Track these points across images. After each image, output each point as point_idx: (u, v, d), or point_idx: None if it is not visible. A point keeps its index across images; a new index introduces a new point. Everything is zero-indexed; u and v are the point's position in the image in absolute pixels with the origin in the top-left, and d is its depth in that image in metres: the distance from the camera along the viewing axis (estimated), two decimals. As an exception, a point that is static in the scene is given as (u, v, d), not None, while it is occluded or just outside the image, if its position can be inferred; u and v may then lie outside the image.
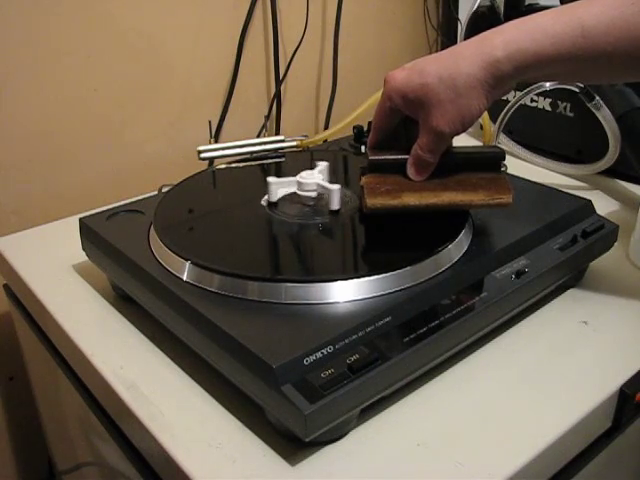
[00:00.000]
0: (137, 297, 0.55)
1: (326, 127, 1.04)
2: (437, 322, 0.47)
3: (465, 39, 0.52)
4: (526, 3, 0.96)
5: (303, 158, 0.74)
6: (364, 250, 0.55)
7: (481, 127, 0.86)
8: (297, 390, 0.40)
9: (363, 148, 0.78)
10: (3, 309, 0.82)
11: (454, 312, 0.48)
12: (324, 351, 0.42)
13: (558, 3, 0.85)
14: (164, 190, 0.66)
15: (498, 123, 0.80)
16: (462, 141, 0.94)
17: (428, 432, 0.45)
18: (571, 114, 0.85)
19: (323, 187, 0.59)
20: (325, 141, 0.82)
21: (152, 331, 0.55)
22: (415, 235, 0.57)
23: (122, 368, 0.51)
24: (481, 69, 0.48)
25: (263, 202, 0.61)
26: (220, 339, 0.45)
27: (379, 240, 0.56)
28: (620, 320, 0.56)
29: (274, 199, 0.60)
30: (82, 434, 0.68)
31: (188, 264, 0.51)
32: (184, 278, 0.51)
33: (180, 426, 0.46)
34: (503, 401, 0.47)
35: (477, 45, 0.49)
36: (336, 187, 0.58)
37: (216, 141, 0.94)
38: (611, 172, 0.83)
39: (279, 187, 0.60)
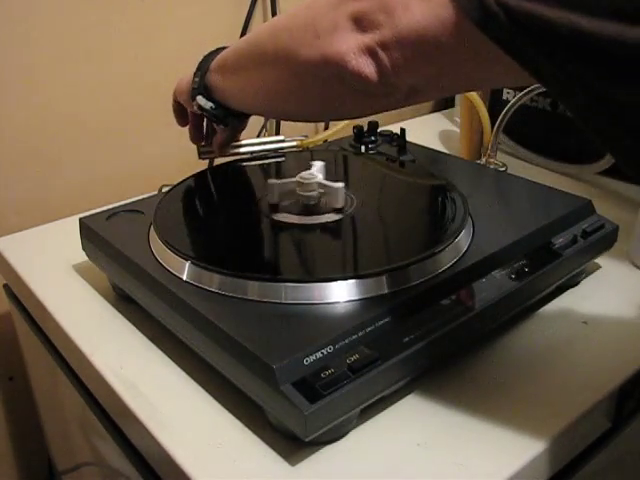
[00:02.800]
0: (137, 297, 0.55)
1: (326, 127, 1.04)
2: (437, 322, 0.47)
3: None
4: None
5: (303, 158, 0.74)
6: (364, 250, 0.55)
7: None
8: (297, 390, 0.40)
9: (363, 148, 0.78)
10: (3, 309, 0.82)
11: (454, 312, 0.48)
12: (324, 351, 0.42)
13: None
14: (164, 190, 0.66)
15: (498, 123, 0.80)
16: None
17: (428, 432, 0.45)
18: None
19: (325, 186, 0.59)
20: (325, 141, 0.82)
21: (152, 331, 0.55)
22: (415, 235, 0.57)
23: (122, 368, 0.51)
24: None
25: (264, 205, 0.61)
26: (220, 339, 0.45)
27: (379, 240, 0.56)
28: (620, 320, 0.56)
29: (275, 201, 0.60)
30: (82, 434, 0.68)
31: (188, 264, 0.51)
32: (184, 278, 0.50)
33: (180, 426, 0.46)
34: (503, 401, 0.47)
35: None
36: (340, 185, 0.58)
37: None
38: (611, 172, 0.83)
39: (280, 188, 0.60)
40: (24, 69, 0.77)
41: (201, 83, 0.56)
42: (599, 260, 0.62)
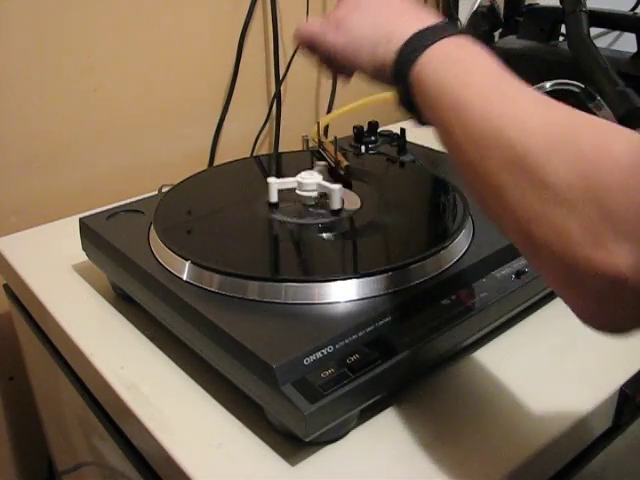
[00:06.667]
0: (137, 297, 0.55)
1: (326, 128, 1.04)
2: (437, 322, 0.47)
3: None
4: (526, 3, 0.96)
5: (303, 158, 0.74)
6: (364, 250, 0.55)
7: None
8: (297, 390, 0.40)
9: (363, 148, 0.78)
10: (3, 309, 0.82)
11: (454, 312, 0.48)
12: (324, 351, 0.42)
13: (557, 3, 0.85)
14: (164, 190, 0.66)
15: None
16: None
17: (428, 432, 0.45)
18: (571, 114, 0.85)
19: (324, 187, 0.59)
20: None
21: (152, 331, 0.55)
22: (415, 235, 0.57)
23: (122, 368, 0.51)
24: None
25: (264, 205, 0.60)
26: (220, 339, 0.45)
27: (379, 240, 0.56)
28: (620, 320, 0.56)
29: (274, 200, 0.59)
30: (82, 434, 0.68)
31: (188, 264, 0.51)
32: (184, 278, 0.50)
33: (180, 426, 0.46)
34: (503, 401, 0.47)
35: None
36: (337, 187, 0.58)
37: (215, 142, 0.94)
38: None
39: (279, 187, 0.60)
40: (23, 69, 0.77)
41: (405, 85, 0.41)
42: (599, 260, 0.62)
